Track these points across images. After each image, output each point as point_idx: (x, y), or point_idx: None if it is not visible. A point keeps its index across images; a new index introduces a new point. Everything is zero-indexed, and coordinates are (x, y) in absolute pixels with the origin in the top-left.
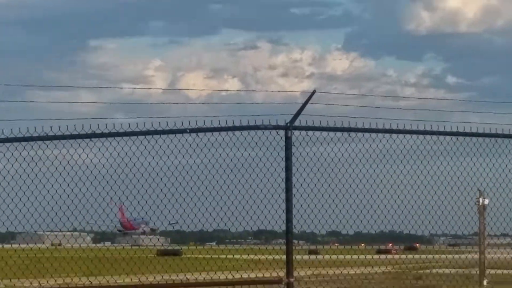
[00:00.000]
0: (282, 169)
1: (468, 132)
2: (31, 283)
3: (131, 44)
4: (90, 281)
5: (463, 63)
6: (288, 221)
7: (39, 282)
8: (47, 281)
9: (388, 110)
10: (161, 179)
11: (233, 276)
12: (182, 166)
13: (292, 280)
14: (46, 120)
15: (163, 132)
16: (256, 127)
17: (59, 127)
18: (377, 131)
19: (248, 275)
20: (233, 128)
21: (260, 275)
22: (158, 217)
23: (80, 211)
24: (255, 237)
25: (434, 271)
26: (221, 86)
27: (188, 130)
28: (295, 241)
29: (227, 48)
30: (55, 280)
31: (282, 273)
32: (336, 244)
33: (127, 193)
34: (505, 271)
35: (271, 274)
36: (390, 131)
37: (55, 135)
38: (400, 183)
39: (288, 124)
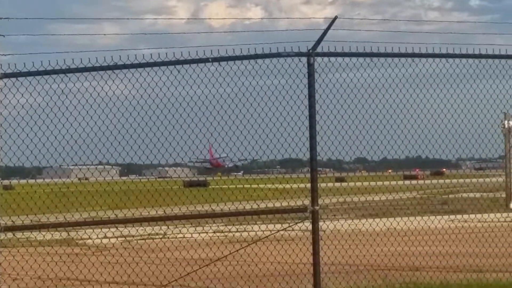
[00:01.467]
0: (305, 96)
1: (491, 54)
2: (56, 218)
3: None
4: (115, 214)
5: None
6: (312, 148)
7: (64, 217)
8: (73, 215)
9: (412, 34)
10: (184, 109)
11: (258, 206)
12: (205, 96)
13: (317, 208)
14: (68, 53)
15: (185, 62)
16: (278, 55)
17: (81, 59)
18: (400, 55)
19: (274, 205)
20: (255, 56)
21: (285, 204)
22: (185, 151)
23: (104, 144)
24: (281, 166)
25: (460, 195)
26: (244, 15)
27: (210, 60)
28: (321, 169)
29: None
30: (81, 214)
31: (307, 202)
32: (363, 171)
33: (150, 124)
34: None
35: (296, 202)
36: (414, 55)
37: (77, 67)
38: (424, 108)
39: (310, 51)
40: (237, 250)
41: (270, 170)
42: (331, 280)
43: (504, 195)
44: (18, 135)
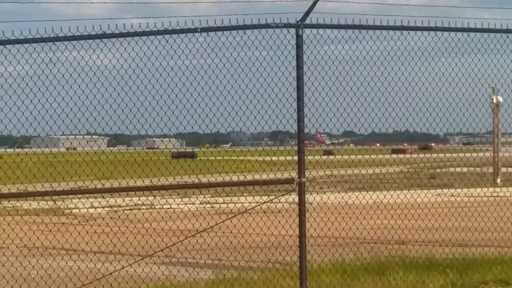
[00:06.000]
0: (294, 68)
1: (479, 28)
2: (43, 187)
3: None
4: (102, 183)
5: None
6: (300, 120)
7: (51, 185)
8: (59, 185)
9: (400, 7)
10: (172, 79)
11: (245, 177)
12: (193, 66)
13: (303, 179)
14: (57, 21)
15: (173, 31)
16: (267, 26)
17: (69, 28)
18: (388, 28)
19: (261, 176)
20: (244, 27)
21: (273, 176)
22: (172, 122)
23: (91, 113)
24: (270, 138)
25: (447, 170)
26: None
27: (199, 30)
28: (308, 141)
29: None
30: (68, 184)
31: (294, 174)
32: (351, 145)
33: (138, 94)
34: None
35: (283, 175)
36: (402, 28)
37: (65, 36)
38: (412, 81)
39: (299, 22)
40: (223, 221)
41: (258, 142)
42: (316, 252)
43: (491, 170)
44: (6, 103)
